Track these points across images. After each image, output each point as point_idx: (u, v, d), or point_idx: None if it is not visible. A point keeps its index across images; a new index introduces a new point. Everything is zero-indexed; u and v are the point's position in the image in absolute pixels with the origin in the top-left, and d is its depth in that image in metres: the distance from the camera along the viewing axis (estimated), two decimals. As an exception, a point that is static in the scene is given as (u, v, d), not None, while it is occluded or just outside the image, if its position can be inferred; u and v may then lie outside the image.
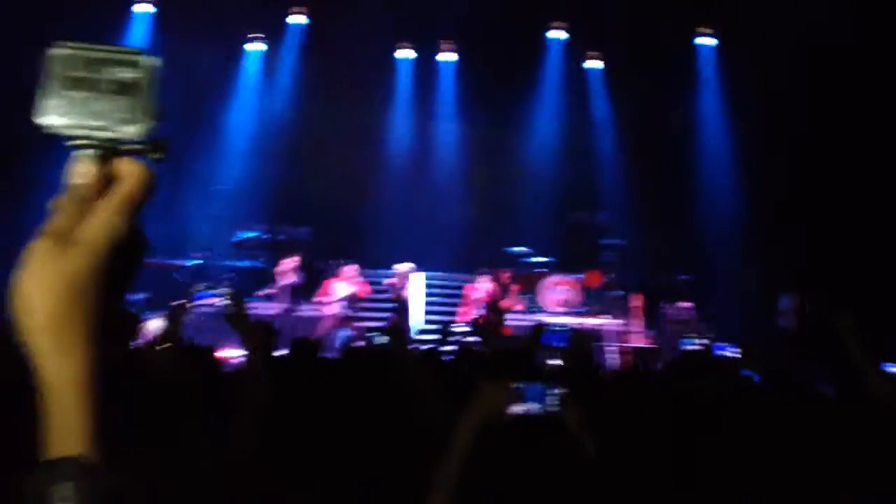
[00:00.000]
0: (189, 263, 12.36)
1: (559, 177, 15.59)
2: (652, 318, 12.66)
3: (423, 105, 15.88)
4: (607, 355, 10.70)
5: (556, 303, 13.26)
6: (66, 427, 0.76)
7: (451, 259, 14.17)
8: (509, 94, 15.81)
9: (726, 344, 10.66)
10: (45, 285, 0.76)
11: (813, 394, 4.48)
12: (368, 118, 15.67)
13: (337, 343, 10.02)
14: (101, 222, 0.79)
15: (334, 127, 15.22)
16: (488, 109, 15.55)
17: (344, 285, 11.81)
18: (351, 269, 12.00)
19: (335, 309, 11.62)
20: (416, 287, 12.40)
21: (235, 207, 14.08)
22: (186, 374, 3.51)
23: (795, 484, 2.67)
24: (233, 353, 6.70)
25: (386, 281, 12.40)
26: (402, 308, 12.03)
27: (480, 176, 15.81)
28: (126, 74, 0.83)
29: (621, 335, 12.16)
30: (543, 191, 15.60)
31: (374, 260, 13.50)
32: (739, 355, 9.78)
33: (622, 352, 11.08)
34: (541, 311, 13.07)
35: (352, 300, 11.78)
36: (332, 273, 12.10)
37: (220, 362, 4.74)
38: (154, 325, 9.80)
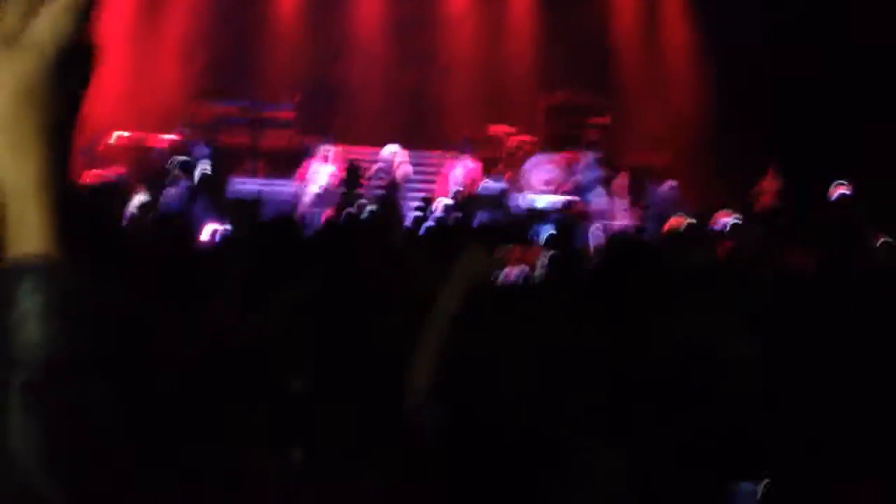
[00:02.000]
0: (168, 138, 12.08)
1: (544, 55, 15.32)
2: (637, 197, 12.70)
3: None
4: (593, 234, 10.74)
5: (541, 182, 13.23)
6: (27, 229, 0.76)
7: (434, 136, 14.05)
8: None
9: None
10: None
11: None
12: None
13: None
14: (49, 23, 0.77)
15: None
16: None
17: (323, 166, 11.69)
18: (328, 150, 11.84)
19: (314, 190, 11.53)
20: (406, 169, 12.28)
21: (213, 80, 13.79)
22: (165, 247, 3.49)
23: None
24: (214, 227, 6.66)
25: (375, 166, 12.27)
26: (394, 189, 11.97)
27: (464, 52, 15.51)
28: None
29: (607, 214, 12.21)
30: (528, 69, 15.37)
31: (358, 136, 13.40)
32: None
33: (607, 230, 11.15)
34: (525, 189, 13.05)
35: (331, 184, 11.69)
36: (311, 153, 11.95)
37: (195, 235, 4.73)
38: (137, 200, 9.77)
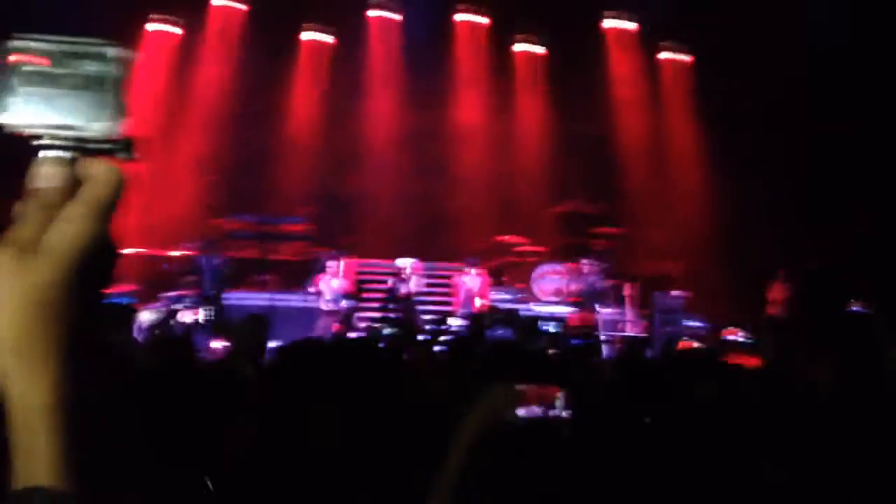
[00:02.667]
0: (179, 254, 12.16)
1: (552, 166, 15.55)
2: (645, 307, 12.67)
3: (419, 92, 15.77)
4: (602, 344, 10.69)
5: (549, 292, 13.24)
6: (35, 453, 0.70)
7: (445, 247, 14.14)
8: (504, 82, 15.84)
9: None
10: (9, 299, 0.70)
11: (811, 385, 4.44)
12: (358, 103, 15.62)
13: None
14: (69, 229, 0.73)
15: (324, 112, 15.25)
16: (482, 96, 15.54)
17: (332, 281, 11.71)
18: (337, 264, 11.88)
19: (328, 306, 11.53)
20: (419, 281, 12.29)
21: (226, 196, 13.98)
22: (174, 367, 3.46)
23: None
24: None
25: (390, 281, 12.28)
26: (409, 303, 11.94)
27: (474, 164, 15.76)
28: (92, 68, 0.76)
29: (615, 324, 12.16)
30: (536, 180, 15.60)
31: (370, 248, 13.49)
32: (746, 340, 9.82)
33: (615, 341, 11.09)
34: (532, 300, 13.05)
35: (344, 295, 11.69)
36: (321, 268, 12.00)
37: (199, 356, 4.70)
38: (147, 316, 9.79)
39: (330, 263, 11.74)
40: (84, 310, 0.73)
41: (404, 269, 12.15)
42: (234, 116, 14.89)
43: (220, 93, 15.10)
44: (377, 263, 13.09)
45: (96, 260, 0.73)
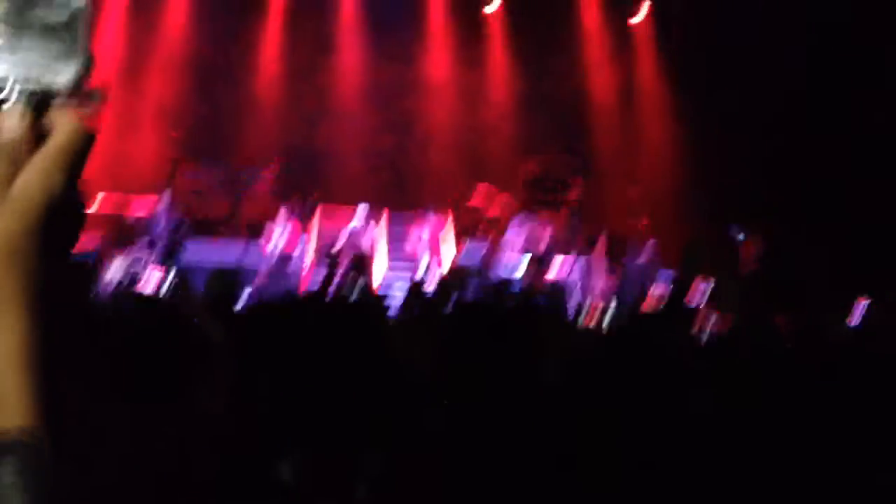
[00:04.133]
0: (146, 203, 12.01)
1: (522, 121, 15.53)
2: (615, 259, 12.76)
3: (387, 45, 15.62)
4: (573, 297, 10.75)
5: (519, 247, 13.27)
6: (7, 400, 0.70)
7: (413, 203, 14.13)
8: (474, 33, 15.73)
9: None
10: None
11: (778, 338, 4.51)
12: (325, 57, 15.47)
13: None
14: (36, 179, 0.71)
15: (291, 66, 15.09)
16: (452, 48, 15.52)
17: (278, 230, 11.65)
18: (289, 215, 11.78)
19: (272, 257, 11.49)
20: (377, 231, 12.24)
21: (191, 150, 13.81)
22: (145, 324, 3.42)
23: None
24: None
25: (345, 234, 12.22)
26: (362, 254, 11.92)
27: (443, 119, 15.71)
28: (54, 16, 0.73)
29: (584, 280, 12.24)
30: (506, 135, 15.58)
31: (338, 201, 13.47)
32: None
33: (586, 294, 11.18)
34: (502, 255, 13.07)
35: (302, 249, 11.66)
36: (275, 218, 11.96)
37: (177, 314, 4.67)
38: (113, 272, 9.69)
39: (285, 215, 11.64)
40: (51, 261, 0.72)
41: (363, 218, 12.07)
42: (199, 68, 14.69)
43: (183, 43, 14.85)
44: (340, 215, 13.00)
45: (64, 211, 0.73)
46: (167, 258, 10.69)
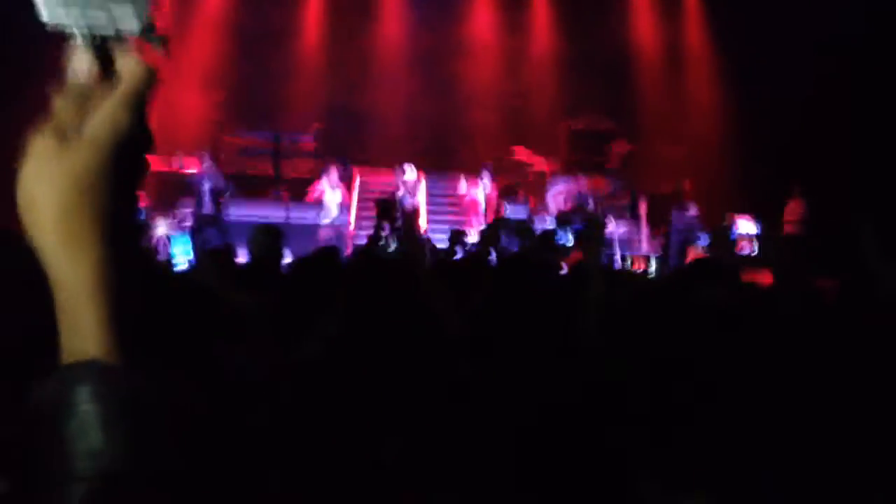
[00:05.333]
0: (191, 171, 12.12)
1: (565, 82, 15.38)
2: (658, 224, 12.65)
3: (430, 9, 15.53)
4: (615, 261, 10.71)
5: (561, 206, 13.22)
6: (82, 329, 0.73)
7: (455, 165, 14.10)
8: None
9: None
10: (49, 181, 0.72)
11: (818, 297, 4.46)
12: (368, 21, 15.42)
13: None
14: (105, 118, 0.75)
15: (335, 30, 15.08)
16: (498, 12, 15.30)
17: (330, 191, 11.66)
18: (334, 173, 11.78)
19: (328, 219, 11.53)
20: (420, 190, 12.23)
21: (235, 112, 13.90)
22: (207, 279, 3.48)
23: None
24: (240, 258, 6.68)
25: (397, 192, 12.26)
26: (412, 215, 11.91)
27: (485, 81, 15.62)
28: None
29: (628, 241, 12.18)
30: (549, 96, 15.45)
31: (380, 164, 13.49)
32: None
33: (628, 258, 11.12)
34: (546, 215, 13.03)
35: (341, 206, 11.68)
36: (321, 175, 11.97)
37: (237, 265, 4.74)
38: (162, 229, 9.87)
39: (331, 175, 11.64)
40: (123, 198, 0.75)
41: (408, 178, 12.07)
42: (242, 31, 14.73)
43: (227, 5, 14.89)
44: (382, 176, 13.00)
45: (133, 150, 0.76)
46: (209, 219, 10.83)
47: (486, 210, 12.12)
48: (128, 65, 0.77)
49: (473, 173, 12.94)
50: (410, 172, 12.13)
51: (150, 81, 0.77)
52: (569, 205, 12.84)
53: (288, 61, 15.15)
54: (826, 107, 12.88)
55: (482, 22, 15.91)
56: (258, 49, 14.82)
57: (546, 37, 15.94)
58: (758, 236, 11.22)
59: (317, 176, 12.31)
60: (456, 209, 12.91)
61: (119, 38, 0.77)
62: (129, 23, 0.77)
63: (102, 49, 0.77)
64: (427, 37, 15.48)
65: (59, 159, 0.73)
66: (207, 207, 11.03)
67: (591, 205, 12.75)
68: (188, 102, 13.63)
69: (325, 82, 15.03)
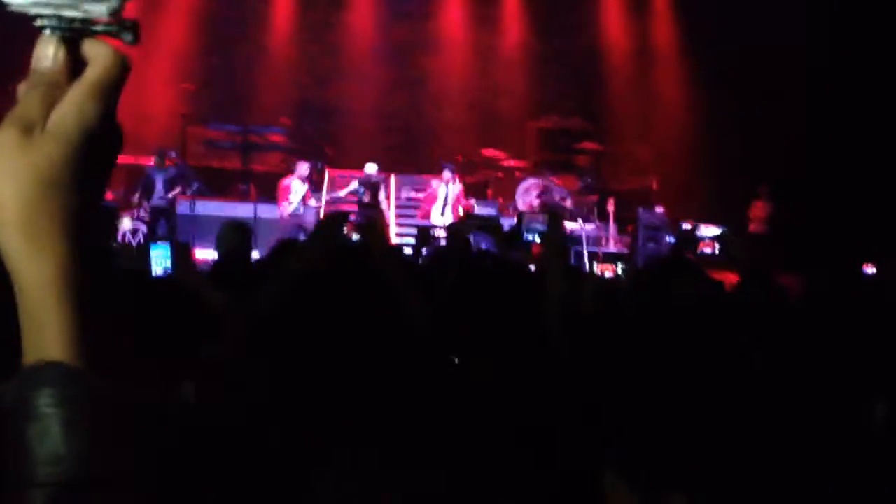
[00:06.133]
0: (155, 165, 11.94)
1: (534, 80, 15.43)
2: (624, 223, 12.74)
3: (399, 3, 15.51)
4: (582, 259, 10.78)
5: (531, 206, 13.26)
6: (45, 330, 0.69)
7: (424, 162, 14.08)
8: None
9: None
10: (12, 176, 0.69)
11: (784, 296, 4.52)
12: (337, 14, 15.37)
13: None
14: (72, 109, 0.71)
15: (304, 23, 15.01)
16: (466, 5, 15.45)
17: (298, 183, 11.59)
18: (304, 167, 11.74)
19: (290, 210, 11.46)
20: (388, 190, 12.22)
21: (203, 104, 13.76)
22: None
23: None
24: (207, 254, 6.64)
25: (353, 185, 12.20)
26: (377, 211, 11.88)
27: (455, 77, 15.62)
28: None
29: (595, 240, 12.24)
30: (518, 94, 15.48)
31: (349, 160, 13.44)
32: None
33: (595, 257, 11.19)
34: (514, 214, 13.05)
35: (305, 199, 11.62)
36: (289, 170, 11.90)
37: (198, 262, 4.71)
38: (127, 224, 9.77)
39: (300, 169, 11.56)
40: (89, 193, 0.72)
41: (372, 175, 12.03)
42: (212, 23, 14.61)
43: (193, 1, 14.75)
44: (349, 174, 12.94)
45: (99, 141, 0.72)
46: (161, 212, 10.78)
47: (445, 206, 12.04)
48: (97, 52, 0.73)
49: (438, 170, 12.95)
50: (371, 167, 12.06)
51: (121, 70, 0.73)
52: (539, 201, 12.88)
53: (257, 53, 15.06)
54: (794, 107, 13.05)
55: (453, 17, 15.90)
56: (227, 40, 14.71)
57: (516, 34, 15.97)
58: (720, 237, 11.35)
59: (286, 171, 12.23)
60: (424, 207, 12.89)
61: (88, 24, 0.74)
62: (100, 11, 0.73)
63: (70, 36, 0.74)
64: (398, 31, 15.47)
65: (23, 153, 0.69)
66: (159, 200, 10.96)
67: (561, 199, 12.79)
68: (155, 94, 13.49)
69: (295, 75, 14.95)
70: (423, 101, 15.40)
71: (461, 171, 12.75)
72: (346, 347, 2.52)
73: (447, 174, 12.04)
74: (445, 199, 12.04)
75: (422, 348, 2.60)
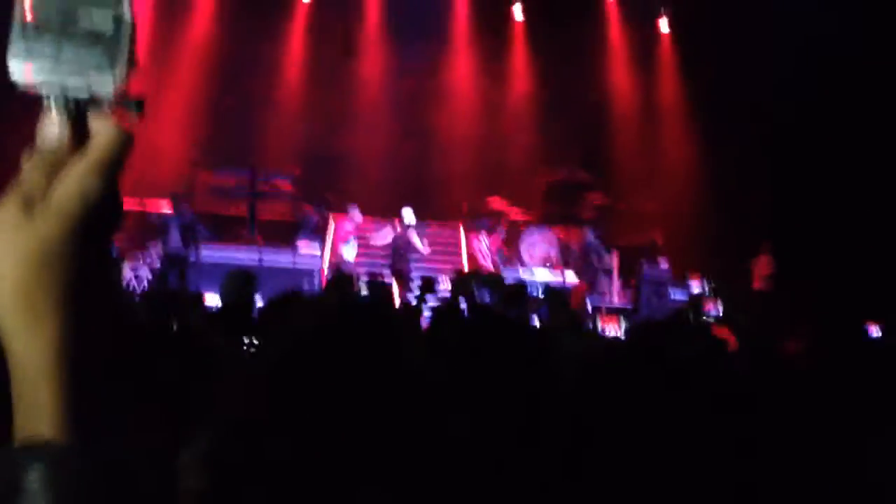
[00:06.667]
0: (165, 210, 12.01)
1: (542, 132, 15.54)
2: (628, 277, 12.73)
3: (410, 53, 15.69)
4: (585, 314, 10.75)
5: (537, 258, 13.28)
6: (38, 408, 0.68)
7: (432, 212, 14.12)
8: (497, 44, 15.78)
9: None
10: (12, 253, 0.68)
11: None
12: (348, 63, 15.55)
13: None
14: (75, 184, 0.70)
15: (314, 71, 15.18)
16: (475, 58, 15.60)
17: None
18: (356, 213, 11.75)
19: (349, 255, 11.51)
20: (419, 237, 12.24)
21: (212, 150, 13.85)
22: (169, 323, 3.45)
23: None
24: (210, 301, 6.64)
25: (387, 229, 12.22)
26: (403, 256, 11.83)
27: (463, 128, 15.73)
28: (101, 21, 0.74)
29: (601, 294, 12.23)
30: (526, 145, 15.58)
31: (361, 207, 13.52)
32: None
33: (598, 311, 11.16)
34: (521, 266, 13.07)
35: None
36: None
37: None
38: (131, 270, 9.78)
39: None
40: (90, 266, 0.71)
41: (404, 222, 12.01)
42: (222, 70, 14.74)
43: (207, 45, 14.92)
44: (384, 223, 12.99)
45: (102, 218, 0.72)
46: (176, 255, 10.74)
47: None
48: (102, 129, 0.73)
49: (455, 220, 13.00)
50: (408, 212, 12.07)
51: (124, 147, 0.73)
52: (546, 255, 12.93)
53: (268, 100, 15.16)
54: (799, 164, 13.10)
55: (462, 69, 16.06)
56: (237, 87, 14.83)
57: (524, 86, 16.11)
58: (706, 294, 11.34)
59: (297, 222, 12.32)
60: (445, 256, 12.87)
61: (94, 101, 0.74)
62: (106, 86, 0.74)
63: (76, 112, 0.74)
64: (407, 81, 15.61)
65: (24, 230, 0.69)
66: (175, 248, 10.97)
67: (568, 254, 12.84)
68: (164, 139, 13.59)
69: (305, 123, 15.04)
70: (432, 151, 15.47)
71: (464, 220, 12.84)
72: (360, 402, 2.52)
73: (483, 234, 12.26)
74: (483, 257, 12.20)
75: (428, 402, 2.60)
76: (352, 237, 11.91)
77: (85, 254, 0.71)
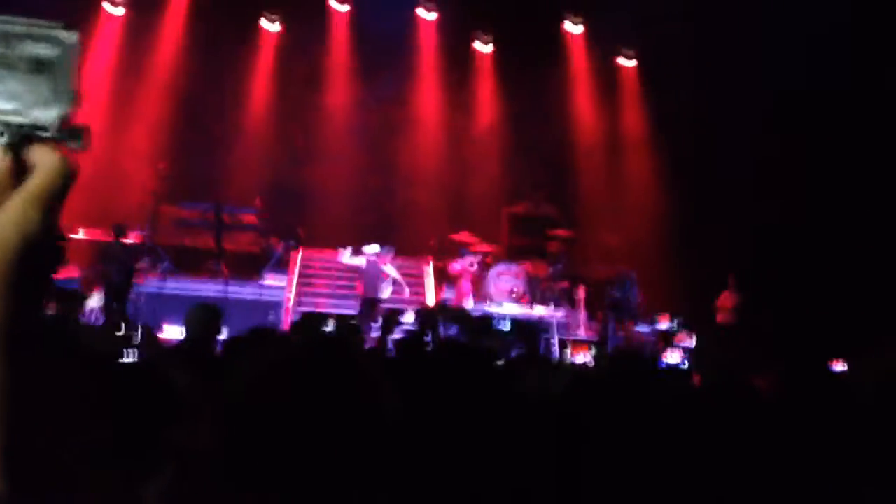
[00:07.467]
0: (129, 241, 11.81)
1: (507, 165, 15.63)
2: (594, 310, 12.77)
3: (375, 86, 15.76)
4: (552, 346, 10.76)
5: (502, 292, 13.27)
6: None
7: (397, 244, 14.09)
8: (463, 77, 15.92)
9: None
10: None
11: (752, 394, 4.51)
12: (313, 95, 15.56)
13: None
14: (13, 217, 0.69)
15: (279, 103, 15.19)
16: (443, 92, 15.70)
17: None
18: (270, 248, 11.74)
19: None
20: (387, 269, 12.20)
21: (177, 183, 13.74)
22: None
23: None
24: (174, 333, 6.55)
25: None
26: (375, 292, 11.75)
27: (428, 160, 15.78)
28: (43, 51, 0.72)
29: (566, 326, 12.24)
30: (491, 179, 15.65)
31: (319, 243, 13.44)
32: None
33: (565, 343, 11.18)
34: (487, 300, 13.06)
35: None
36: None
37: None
38: (94, 302, 9.63)
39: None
40: (25, 301, 0.68)
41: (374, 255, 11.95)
42: (187, 103, 14.66)
43: (173, 78, 14.84)
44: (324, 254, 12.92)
45: (40, 250, 0.70)
46: (117, 285, 10.55)
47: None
48: (43, 159, 0.71)
49: (422, 254, 12.98)
50: (372, 248, 11.98)
51: (65, 178, 0.71)
52: (511, 288, 12.93)
53: (233, 132, 15.11)
54: (764, 197, 13.23)
55: (428, 101, 16.13)
56: (202, 120, 14.76)
57: (489, 119, 16.24)
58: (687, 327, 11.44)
59: (262, 254, 12.26)
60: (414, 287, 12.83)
61: (36, 130, 0.72)
62: (48, 117, 0.72)
63: (18, 142, 0.72)
64: (374, 113, 15.66)
65: None
66: (118, 278, 10.76)
67: (531, 288, 12.86)
68: (128, 171, 13.47)
69: (270, 156, 15.00)
70: (397, 184, 15.49)
71: (433, 254, 12.85)
72: (325, 434, 2.48)
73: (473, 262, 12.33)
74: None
75: (395, 437, 2.56)
76: (389, 278, 11.84)
77: (23, 288, 0.68)
